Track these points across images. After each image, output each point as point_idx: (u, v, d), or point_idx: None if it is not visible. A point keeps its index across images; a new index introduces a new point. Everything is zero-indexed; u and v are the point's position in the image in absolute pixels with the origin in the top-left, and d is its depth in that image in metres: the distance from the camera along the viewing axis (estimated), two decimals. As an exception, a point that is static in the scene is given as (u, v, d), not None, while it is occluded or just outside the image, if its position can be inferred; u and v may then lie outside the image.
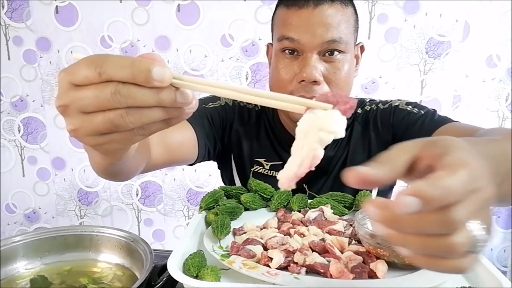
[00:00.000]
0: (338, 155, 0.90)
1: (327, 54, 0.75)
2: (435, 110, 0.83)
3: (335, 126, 0.32)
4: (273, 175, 0.90)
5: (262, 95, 0.34)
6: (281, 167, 0.87)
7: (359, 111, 0.90)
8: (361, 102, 0.92)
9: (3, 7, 1.81)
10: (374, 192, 0.90)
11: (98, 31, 1.80)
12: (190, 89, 0.34)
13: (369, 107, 0.89)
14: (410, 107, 0.84)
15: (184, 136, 0.80)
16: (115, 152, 0.40)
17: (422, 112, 0.82)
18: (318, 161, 0.34)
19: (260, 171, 0.91)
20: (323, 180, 0.91)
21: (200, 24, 1.74)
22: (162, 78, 0.31)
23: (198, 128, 0.83)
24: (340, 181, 0.86)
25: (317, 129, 0.32)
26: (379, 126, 0.86)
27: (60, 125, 1.93)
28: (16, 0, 1.80)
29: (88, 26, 1.80)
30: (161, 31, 1.77)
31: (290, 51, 0.77)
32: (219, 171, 1.04)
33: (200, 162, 0.88)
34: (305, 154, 0.33)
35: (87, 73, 0.31)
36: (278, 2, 0.81)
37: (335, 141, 0.87)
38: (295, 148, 0.34)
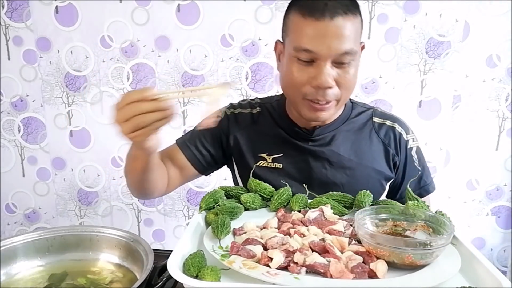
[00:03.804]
0: (347, 148, 0.94)
1: (338, 61, 0.80)
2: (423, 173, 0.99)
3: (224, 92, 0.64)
4: (276, 167, 0.94)
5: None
6: (282, 159, 0.94)
7: (377, 120, 0.97)
8: (372, 110, 0.99)
9: (3, 7, 1.81)
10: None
11: (98, 31, 1.80)
12: (169, 98, 0.63)
13: (391, 123, 0.98)
14: (416, 159, 0.99)
15: (184, 158, 0.98)
16: (143, 142, 0.68)
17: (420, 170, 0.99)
18: (216, 109, 0.64)
19: (264, 164, 0.95)
20: (326, 164, 0.94)
21: (200, 24, 1.75)
22: (157, 95, 0.61)
23: (187, 151, 0.98)
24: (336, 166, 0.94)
25: (217, 92, 0.64)
26: (399, 150, 0.97)
27: (60, 125, 1.94)
28: (16, 0, 1.80)
29: (88, 26, 1.80)
30: (161, 31, 1.77)
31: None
32: (220, 171, 1.09)
33: (212, 171, 1.03)
34: (211, 106, 0.64)
35: (124, 100, 0.62)
36: (290, 4, 0.84)
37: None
38: (206, 104, 0.64)
